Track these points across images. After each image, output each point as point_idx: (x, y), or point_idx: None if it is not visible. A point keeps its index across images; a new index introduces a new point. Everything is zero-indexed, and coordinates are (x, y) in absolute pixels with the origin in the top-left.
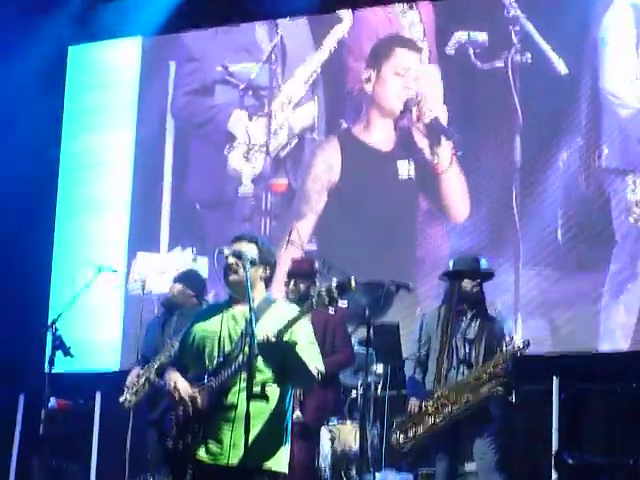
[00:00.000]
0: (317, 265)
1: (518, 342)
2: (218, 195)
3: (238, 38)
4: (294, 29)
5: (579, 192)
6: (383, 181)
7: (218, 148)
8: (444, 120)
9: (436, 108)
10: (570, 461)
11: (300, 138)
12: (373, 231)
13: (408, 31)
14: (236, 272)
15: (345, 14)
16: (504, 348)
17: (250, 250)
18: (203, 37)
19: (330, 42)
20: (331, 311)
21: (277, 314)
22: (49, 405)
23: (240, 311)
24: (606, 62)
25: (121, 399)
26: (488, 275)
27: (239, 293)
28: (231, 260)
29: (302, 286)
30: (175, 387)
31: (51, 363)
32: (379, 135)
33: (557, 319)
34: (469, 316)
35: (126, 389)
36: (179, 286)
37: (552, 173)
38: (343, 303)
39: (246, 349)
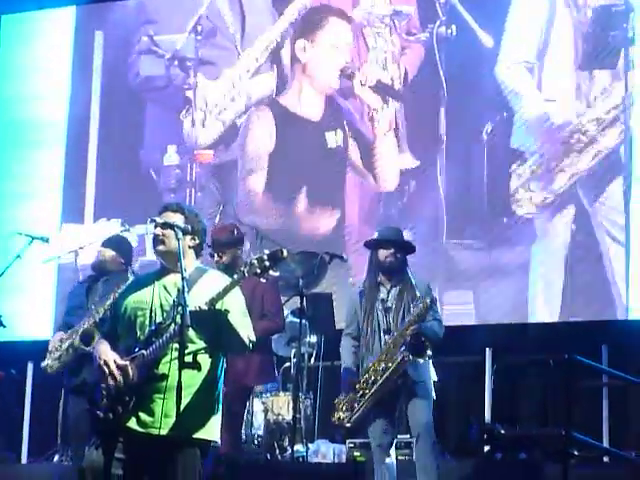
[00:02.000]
0: (237, 232)
1: (425, 301)
2: (145, 165)
3: (198, 5)
4: None
5: (501, 166)
6: (313, 150)
7: (165, 112)
8: (388, 82)
9: (378, 71)
10: (502, 432)
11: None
12: (304, 201)
13: None
14: (163, 242)
15: None
16: (411, 310)
17: (177, 220)
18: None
19: (291, 11)
20: (262, 280)
21: (209, 283)
22: None
23: (172, 281)
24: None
25: (43, 364)
26: (401, 245)
27: (170, 263)
28: (157, 231)
29: (225, 256)
30: (105, 362)
31: None
32: (310, 104)
33: (483, 290)
34: (388, 286)
35: (48, 354)
36: (110, 252)
37: (476, 146)
38: (275, 273)
39: (178, 319)
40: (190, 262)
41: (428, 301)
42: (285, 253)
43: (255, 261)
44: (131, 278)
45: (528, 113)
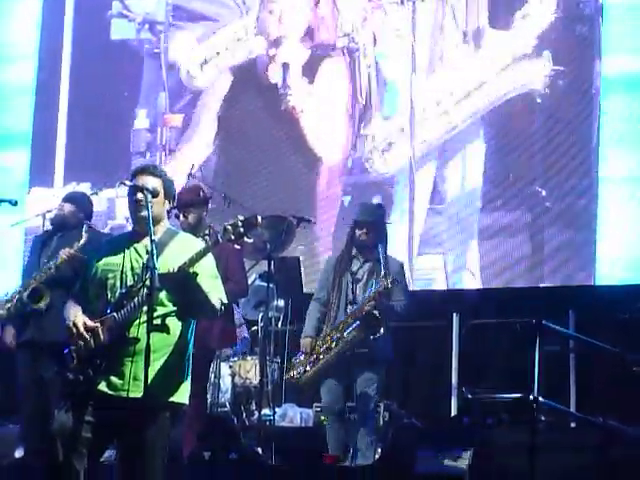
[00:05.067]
0: (202, 193)
1: (387, 280)
2: (116, 128)
3: None
4: None
5: None
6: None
7: (138, 75)
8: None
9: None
10: (469, 396)
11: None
12: (273, 164)
13: None
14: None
15: None
16: (374, 286)
17: (156, 183)
18: None
19: None
20: (237, 247)
21: (180, 246)
22: None
23: (143, 244)
24: None
25: None
26: (376, 225)
27: (146, 227)
28: (140, 196)
29: (191, 216)
30: (74, 323)
31: None
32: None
33: (455, 255)
34: (361, 260)
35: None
36: (70, 206)
37: None
38: (249, 240)
39: (148, 282)
40: (164, 225)
41: (388, 282)
42: (259, 220)
43: (230, 227)
44: (85, 235)
45: None
